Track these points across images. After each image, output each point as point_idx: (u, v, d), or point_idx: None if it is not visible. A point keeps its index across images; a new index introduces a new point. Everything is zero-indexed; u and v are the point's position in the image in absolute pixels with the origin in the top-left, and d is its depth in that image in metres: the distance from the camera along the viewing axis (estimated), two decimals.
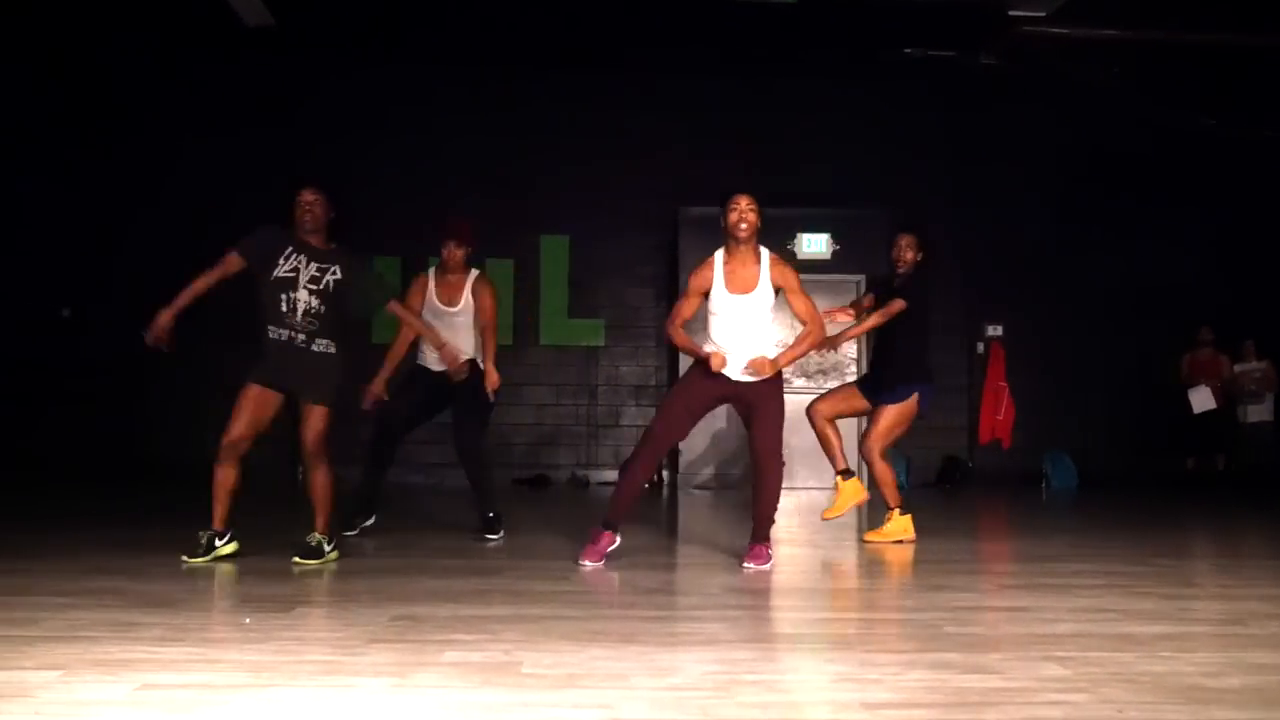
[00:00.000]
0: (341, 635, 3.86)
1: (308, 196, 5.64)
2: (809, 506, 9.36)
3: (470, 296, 6.83)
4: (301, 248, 5.61)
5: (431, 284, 6.86)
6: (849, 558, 6.50)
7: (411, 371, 6.97)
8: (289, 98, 12.03)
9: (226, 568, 5.43)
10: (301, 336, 5.55)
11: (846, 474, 6.94)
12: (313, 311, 5.57)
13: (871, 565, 6.12)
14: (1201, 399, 11.97)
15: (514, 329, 12.19)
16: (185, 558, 5.53)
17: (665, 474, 11.97)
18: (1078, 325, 12.37)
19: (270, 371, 5.58)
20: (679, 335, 5.81)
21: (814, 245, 11.76)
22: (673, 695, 3.10)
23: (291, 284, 5.55)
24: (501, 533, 6.86)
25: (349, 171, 12.03)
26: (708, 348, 5.69)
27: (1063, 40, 10.98)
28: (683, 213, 11.68)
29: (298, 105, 12.06)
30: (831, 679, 3.35)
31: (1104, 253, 12.35)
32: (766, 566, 5.66)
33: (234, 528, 5.67)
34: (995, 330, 12.48)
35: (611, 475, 12.01)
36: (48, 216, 11.98)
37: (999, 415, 12.27)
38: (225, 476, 5.59)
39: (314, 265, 5.60)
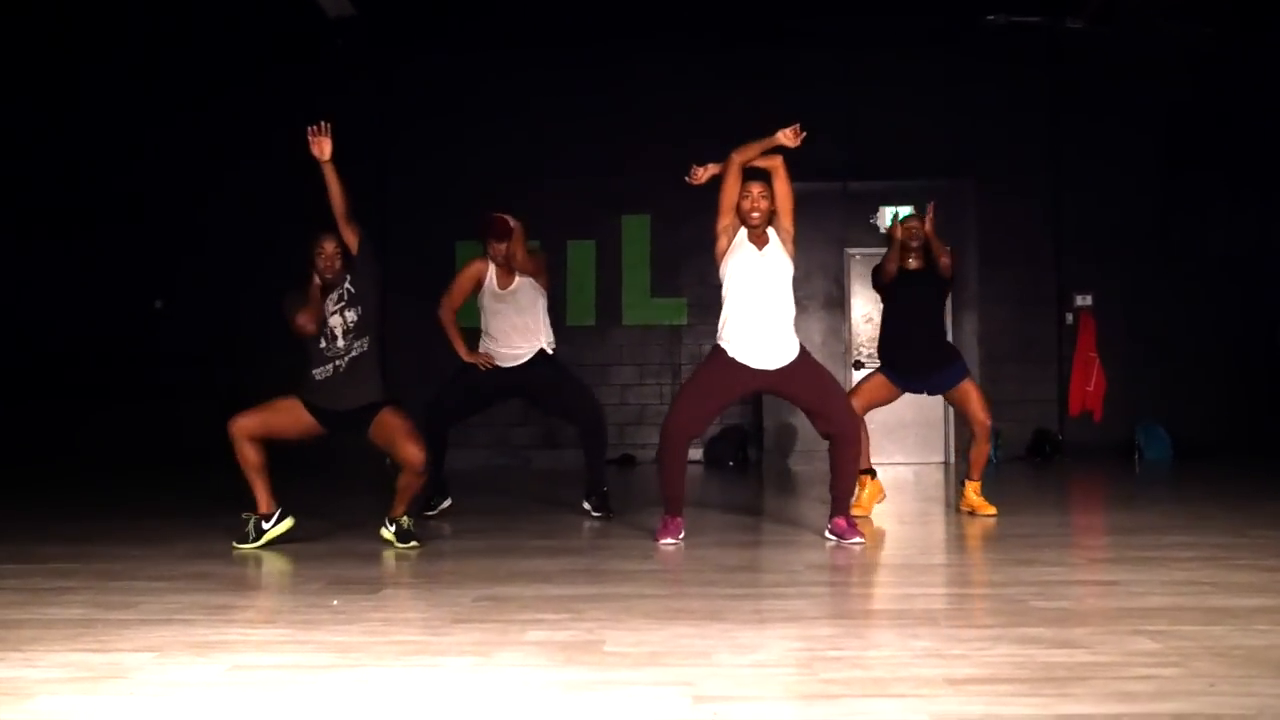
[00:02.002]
0: (427, 616, 3.92)
1: (329, 248, 5.63)
2: (894, 483, 9.29)
3: (520, 274, 6.89)
4: (319, 293, 5.65)
5: (491, 271, 6.88)
6: (936, 533, 6.44)
7: (469, 372, 6.93)
8: (372, 86, 12.17)
9: (314, 551, 5.52)
10: (343, 361, 5.63)
11: (872, 473, 6.97)
12: (351, 327, 5.65)
13: (958, 540, 6.06)
14: None
15: (597, 310, 12.26)
16: (235, 544, 5.62)
17: (750, 451, 11.95)
18: (1169, 293, 12.09)
19: (318, 398, 5.66)
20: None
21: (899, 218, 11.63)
22: (755, 672, 3.10)
23: (322, 323, 5.64)
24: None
25: (431, 156, 12.19)
26: (726, 331, 5.72)
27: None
28: None
29: (381, 93, 12.20)
30: (916, 654, 3.32)
31: (1198, 218, 12.08)
32: (859, 541, 5.67)
33: (281, 505, 5.74)
34: (1084, 300, 12.25)
35: (696, 454, 12.02)
36: (137, 210, 12.24)
37: (1089, 386, 12.04)
38: (247, 454, 5.59)
39: (333, 293, 5.66)
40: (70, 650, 3.42)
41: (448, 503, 7.08)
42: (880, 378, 6.94)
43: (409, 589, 4.56)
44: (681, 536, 5.80)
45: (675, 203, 12.13)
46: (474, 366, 6.89)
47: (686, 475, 5.91)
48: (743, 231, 5.73)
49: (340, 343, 5.64)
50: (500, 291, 6.84)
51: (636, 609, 3.97)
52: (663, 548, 5.61)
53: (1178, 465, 11.04)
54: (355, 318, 5.66)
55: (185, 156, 12.20)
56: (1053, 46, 11.90)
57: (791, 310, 5.78)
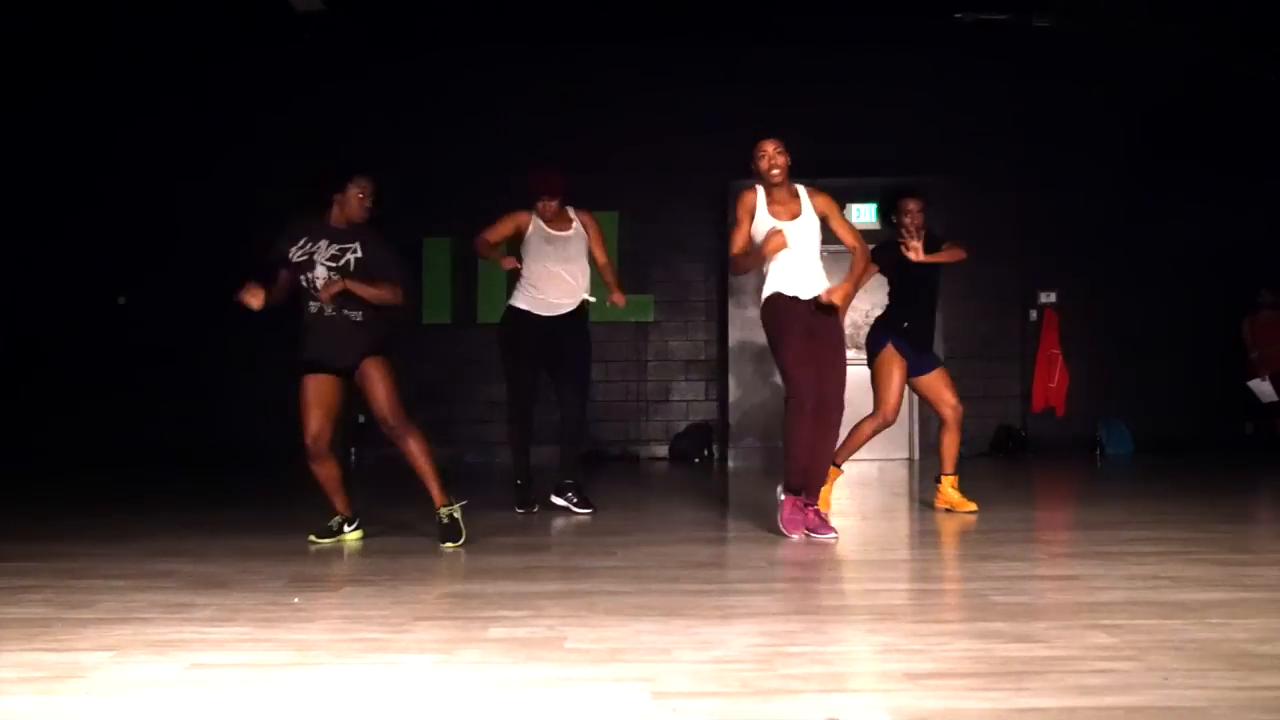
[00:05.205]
0: (388, 613, 3.90)
1: (359, 189, 5.60)
2: (858, 479, 9.32)
3: (579, 224, 6.91)
4: (320, 233, 5.58)
5: (536, 219, 6.83)
6: (899, 529, 6.47)
7: (512, 331, 6.85)
8: (339, 82, 12.09)
9: (276, 548, 5.50)
10: (329, 309, 5.53)
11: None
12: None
13: (921, 536, 6.10)
14: (1265, 391, 11.74)
15: None
16: (313, 537, 5.67)
17: (715, 447, 11.98)
18: (1131, 290, 12.19)
19: (312, 350, 5.56)
20: (742, 258, 5.84)
21: (864, 215, 11.68)
22: (714, 668, 3.11)
23: (308, 266, 5.54)
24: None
25: (399, 153, 12.12)
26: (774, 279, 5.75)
27: None
28: (732, 185, 11.60)
29: (348, 89, 12.12)
30: (876, 649, 3.34)
31: (1161, 216, 12.15)
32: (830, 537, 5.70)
33: (359, 516, 5.83)
34: (1048, 297, 12.33)
35: (661, 450, 12.04)
36: (99, 205, 12.14)
37: (1052, 383, 12.13)
38: (324, 472, 5.65)
39: (334, 246, 5.55)
40: (27, 650, 3.40)
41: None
42: (896, 358, 6.73)
43: (371, 586, 4.54)
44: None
45: (644, 200, 12.17)
46: (513, 339, 6.81)
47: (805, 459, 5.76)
48: (764, 208, 5.78)
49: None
50: (553, 233, 6.82)
51: (599, 605, 3.98)
52: (823, 540, 5.63)
53: (1139, 460, 11.13)
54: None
55: (143, 150, 12.11)
56: (1020, 45, 11.94)
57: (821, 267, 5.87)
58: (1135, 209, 12.19)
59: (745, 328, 11.69)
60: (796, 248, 5.73)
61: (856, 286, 6.00)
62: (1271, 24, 11.00)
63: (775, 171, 5.76)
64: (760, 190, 5.85)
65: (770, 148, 5.80)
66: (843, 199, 11.59)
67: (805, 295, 5.75)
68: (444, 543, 5.48)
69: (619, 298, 6.89)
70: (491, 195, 11.38)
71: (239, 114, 12.06)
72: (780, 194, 5.83)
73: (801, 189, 5.88)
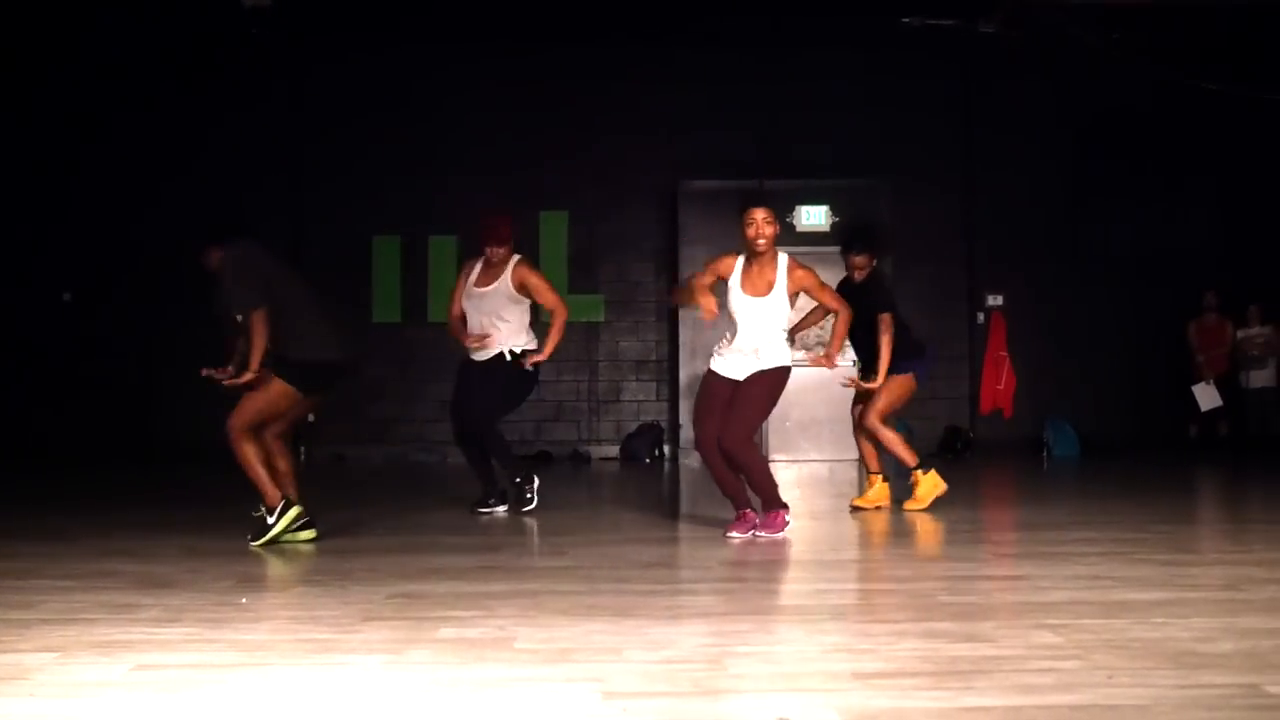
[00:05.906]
0: (337, 614, 3.87)
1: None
2: (810, 479, 9.37)
3: (508, 280, 6.71)
4: None
5: (476, 268, 6.82)
6: (848, 529, 6.51)
7: (459, 365, 6.95)
8: (290, 80, 12.01)
9: (224, 549, 5.43)
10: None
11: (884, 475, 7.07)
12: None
13: (869, 537, 6.13)
14: (1208, 397, 11.91)
15: None
16: (250, 538, 5.52)
17: (666, 447, 12.00)
18: (1079, 293, 12.33)
19: None
20: (679, 293, 6.19)
21: (813, 218, 11.73)
22: (665, 668, 3.11)
23: None
24: (531, 497, 6.89)
25: (347, 151, 12.06)
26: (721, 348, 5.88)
27: (1061, 5, 10.91)
28: (683, 185, 11.65)
29: (299, 86, 12.04)
30: (824, 649, 3.36)
31: (1106, 220, 12.32)
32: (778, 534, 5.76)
33: (311, 515, 5.65)
34: (996, 300, 12.46)
35: (612, 451, 12.04)
36: (47, 201, 11.97)
37: (1000, 385, 12.26)
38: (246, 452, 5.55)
39: None
40: None
41: (502, 508, 6.90)
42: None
43: (320, 587, 4.50)
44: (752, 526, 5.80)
45: (594, 200, 12.18)
46: (461, 365, 6.89)
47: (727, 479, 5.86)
48: (739, 276, 5.75)
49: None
50: (473, 289, 6.77)
51: (548, 606, 3.97)
52: (730, 539, 5.66)
53: (1085, 461, 11.26)
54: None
55: (92, 146, 11.96)
56: (966, 50, 12.05)
57: (782, 339, 5.82)
58: (1082, 213, 12.34)
59: (696, 328, 11.71)
60: (755, 325, 5.72)
61: (840, 344, 5.94)
62: (1212, 34, 11.19)
63: (761, 242, 5.63)
64: (740, 261, 5.78)
65: (760, 215, 5.63)
66: (791, 201, 11.77)
67: (734, 376, 5.75)
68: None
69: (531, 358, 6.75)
70: (440, 194, 11.45)
71: (186, 115, 11.93)
72: (759, 264, 5.72)
73: (783, 261, 5.73)
